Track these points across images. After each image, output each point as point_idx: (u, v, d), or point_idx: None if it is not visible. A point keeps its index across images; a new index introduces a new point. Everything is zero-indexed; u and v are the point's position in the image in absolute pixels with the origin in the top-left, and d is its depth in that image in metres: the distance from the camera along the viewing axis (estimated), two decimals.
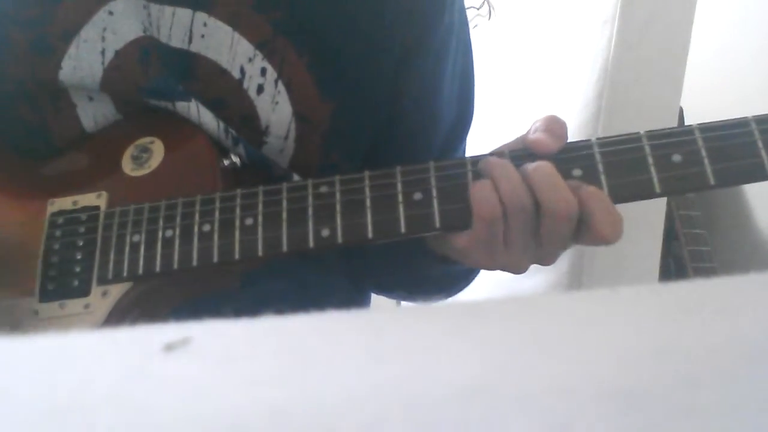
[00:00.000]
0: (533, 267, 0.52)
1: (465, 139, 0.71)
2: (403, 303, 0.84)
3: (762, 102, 1.29)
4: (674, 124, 0.84)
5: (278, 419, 0.16)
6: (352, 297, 0.73)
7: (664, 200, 0.91)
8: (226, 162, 0.59)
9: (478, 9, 0.87)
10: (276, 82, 0.59)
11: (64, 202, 0.57)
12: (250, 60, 0.59)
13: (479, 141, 0.71)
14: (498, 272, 0.54)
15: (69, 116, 0.61)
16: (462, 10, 0.68)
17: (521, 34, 1.07)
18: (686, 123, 0.49)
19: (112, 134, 0.61)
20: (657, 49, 0.85)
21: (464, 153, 0.71)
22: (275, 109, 0.59)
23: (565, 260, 0.84)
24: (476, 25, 0.73)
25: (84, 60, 0.59)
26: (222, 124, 0.59)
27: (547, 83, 0.96)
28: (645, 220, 0.86)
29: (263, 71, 0.59)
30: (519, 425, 0.15)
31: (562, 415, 0.15)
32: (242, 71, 0.59)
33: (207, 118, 0.58)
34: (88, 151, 0.61)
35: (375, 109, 0.63)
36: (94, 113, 0.61)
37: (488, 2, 0.88)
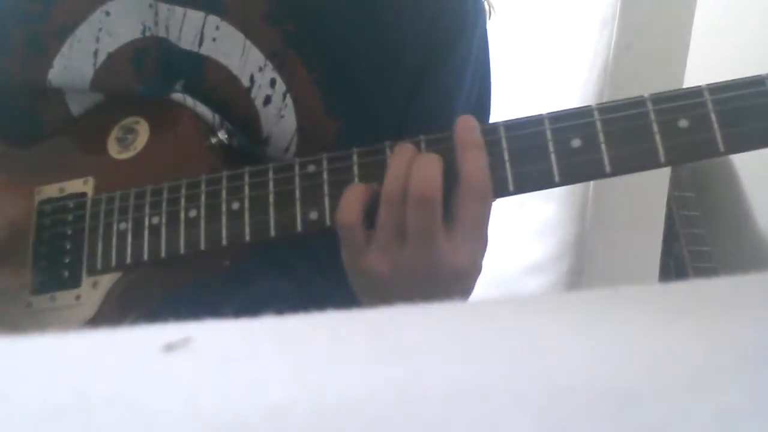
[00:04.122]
0: (533, 267, 0.52)
1: None
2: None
3: None
4: None
5: (278, 419, 0.16)
6: (352, 297, 0.73)
7: (664, 200, 0.91)
8: (213, 140, 0.58)
9: None
10: (285, 95, 0.58)
11: (51, 190, 0.56)
12: (260, 69, 0.58)
13: None
14: (498, 273, 0.54)
15: (57, 102, 0.61)
16: (483, 38, 0.66)
17: (521, 34, 1.07)
18: None
19: (96, 117, 0.60)
20: (657, 49, 0.85)
21: None
22: (279, 123, 0.59)
23: (565, 260, 0.84)
24: None
25: (75, 60, 0.59)
26: (217, 118, 0.58)
27: (547, 83, 0.96)
28: (645, 220, 0.86)
29: (273, 82, 0.58)
30: (519, 425, 0.15)
31: (561, 416, 0.15)
32: (252, 80, 0.58)
33: (202, 108, 0.58)
34: (73, 135, 0.60)
35: (382, 132, 0.62)
36: (82, 100, 0.61)
37: (488, 2, 0.88)
